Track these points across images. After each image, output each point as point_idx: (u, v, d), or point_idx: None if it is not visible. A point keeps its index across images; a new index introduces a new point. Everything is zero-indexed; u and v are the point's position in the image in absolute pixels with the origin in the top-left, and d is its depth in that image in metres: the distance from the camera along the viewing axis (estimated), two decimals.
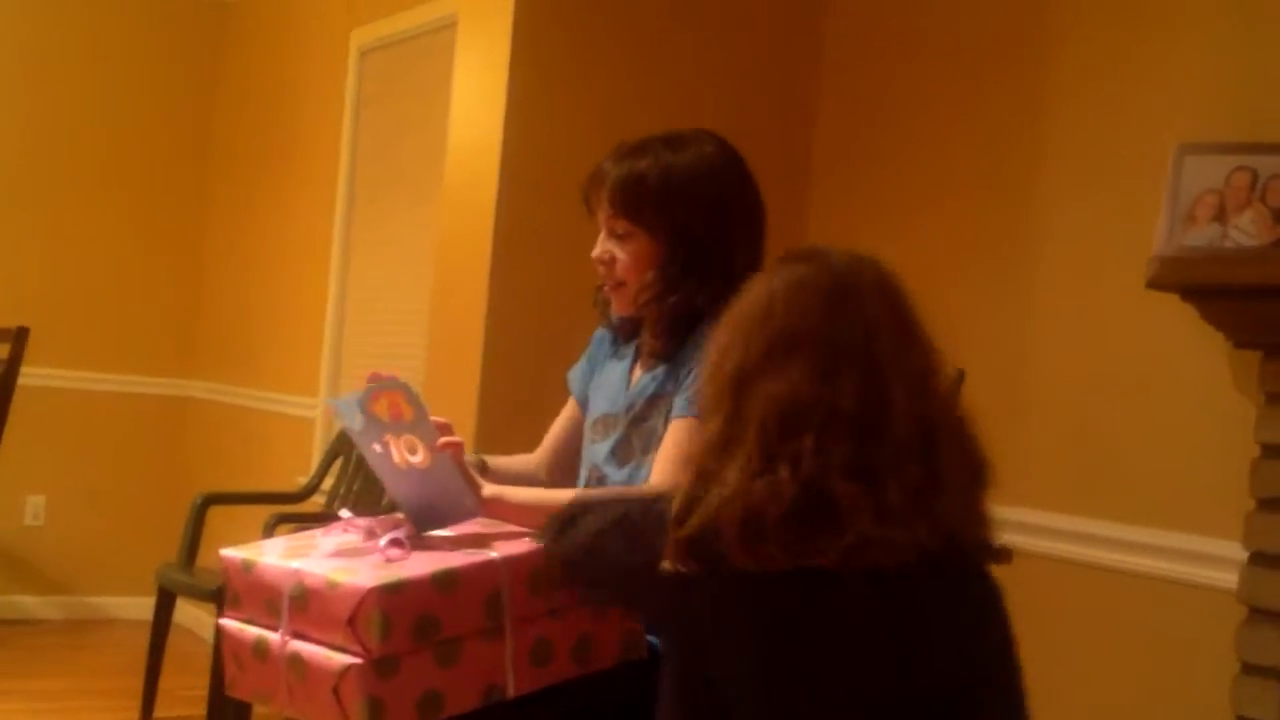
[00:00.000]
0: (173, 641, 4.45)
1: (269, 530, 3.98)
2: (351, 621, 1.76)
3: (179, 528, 4.49)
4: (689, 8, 3.75)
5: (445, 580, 1.84)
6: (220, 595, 3.87)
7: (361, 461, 4.34)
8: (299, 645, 1.84)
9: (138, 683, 4.38)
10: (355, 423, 1.98)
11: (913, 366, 1.60)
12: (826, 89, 3.87)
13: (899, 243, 3.53)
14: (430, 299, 3.92)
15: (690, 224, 2.16)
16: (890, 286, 1.70)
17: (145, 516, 5.79)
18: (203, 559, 4.46)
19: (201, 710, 3.94)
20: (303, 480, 4.68)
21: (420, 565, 1.85)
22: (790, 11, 3.89)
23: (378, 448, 1.98)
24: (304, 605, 1.84)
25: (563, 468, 2.41)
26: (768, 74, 3.86)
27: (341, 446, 4.52)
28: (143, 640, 4.45)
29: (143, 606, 5.42)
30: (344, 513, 2.07)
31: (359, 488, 4.38)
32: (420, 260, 4.40)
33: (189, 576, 4.30)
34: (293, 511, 4.27)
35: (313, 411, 5.00)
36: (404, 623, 1.79)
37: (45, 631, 5.56)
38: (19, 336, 3.43)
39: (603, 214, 2.23)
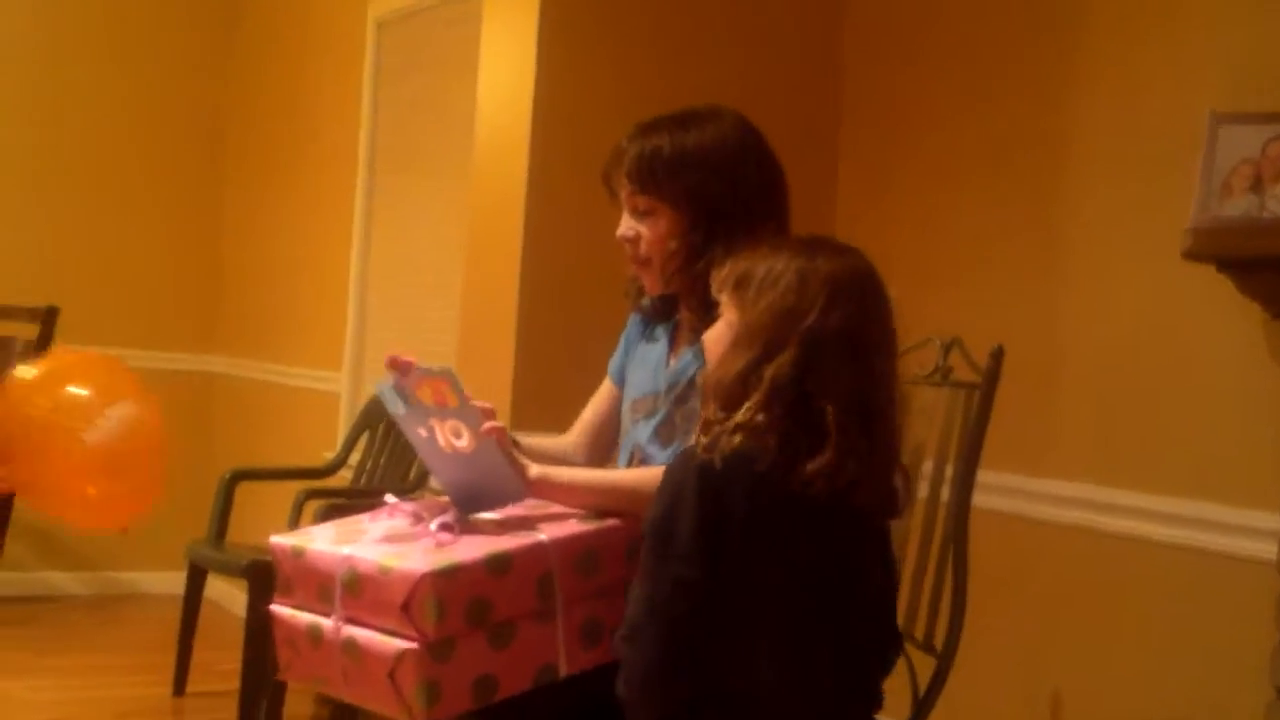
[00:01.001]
0: (203, 616, 4.48)
1: (299, 506, 4.00)
2: (406, 606, 1.78)
3: (205, 503, 4.51)
4: None
5: (497, 563, 1.86)
6: (250, 571, 3.95)
7: (388, 436, 4.36)
8: (353, 630, 1.86)
9: (168, 658, 4.41)
10: (399, 407, 1.99)
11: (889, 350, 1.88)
12: (852, 63, 3.85)
13: (930, 217, 3.53)
14: (462, 275, 3.92)
15: (709, 192, 2.17)
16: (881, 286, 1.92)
17: (171, 492, 5.76)
18: (232, 534, 4.49)
19: (233, 684, 3.96)
20: (329, 455, 4.69)
21: (471, 549, 1.87)
22: None
23: (423, 432, 1.99)
24: (357, 591, 1.85)
25: (598, 449, 2.42)
26: (795, 50, 3.84)
27: (367, 421, 4.54)
28: (172, 615, 4.48)
29: (171, 581, 5.46)
30: (389, 498, 2.08)
31: (385, 462, 4.40)
32: (443, 232, 4.40)
33: (219, 552, 4.32)
34: (321, 487, 4.28)
35: (337, 386, 5.01)
36: (457, 606, 1.81)
37: (75, 607, 5.58)
38: (48, 316, 3.44)
39: (623, 193, 2.25)
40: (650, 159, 2.19)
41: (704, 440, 1.78)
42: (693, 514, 1.75)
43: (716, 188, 2.17)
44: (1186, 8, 2.97)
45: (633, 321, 2.42)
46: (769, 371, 1.76)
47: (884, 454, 1.81)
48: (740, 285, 1.86)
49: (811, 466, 1.74)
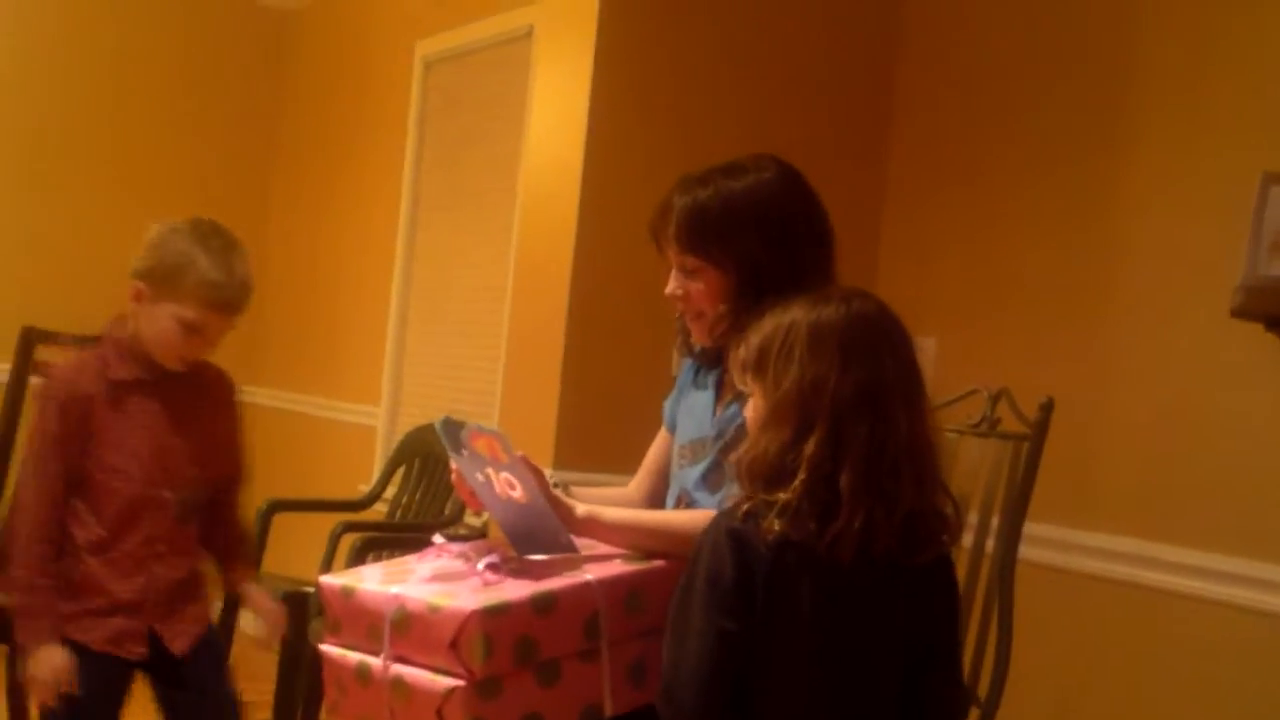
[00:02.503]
0: (235, 646, 4.47)
1: (335, 539, 4.01)
2: (454, 644, 1.79)
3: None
4: (770, 27, 3.76)
5: (544, 602, 1.86)
6: (286, 602, 3.95)
7: (424, 471, 4.37)
8: (401, 669, 1.87)
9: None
10: (456, 448, 2.02)
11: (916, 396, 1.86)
12: (900, 109, 3.87)
13: (977, 268, 3.54)
14: (508, 313, 3.95)
15: (756, 253, 2.17)
16: (894, 326, 1.90)
17: None
18: (267, 565, 4.49)
19: (266, 716, 3.96)
20: (365, 488, 4.71)
21: (519, 588, 1.87)
22: (868, 34, 3.89)
23: (480, 477, 2.01)
24: (406, 629, 1.86)
25: (659, 494, 2.42)
26: (844, 97, 3.86)
27: (403, 455, 4.55)
28: None
29: None
30: (437, 538, 2.10)
31: (421, 496, 4.40)
32: (485, 271, 4.42)
33: (255, 582, 4.32)
34: (358, 520, 4.29)
35: (375, 420, 5.03)
36: (505, 645, 1.81)
37: None
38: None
39: (670, 251, 2.25)
40: (699, 219, 2.18)
41: (741, 523, 1.78)
42: (732, 573, 1.76)
43: (764, 250, 2.16)
44: (1241, 66, 2.97)
45: (686, 367, 2.43)
46: (808, 451, 1.76)
47: (910, 496, 1.78)
48: (759, 367, 1.86)
49: (829, 534, 1.74)
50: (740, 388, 1.96)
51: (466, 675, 1.79)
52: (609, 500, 2.34)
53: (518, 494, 2.03)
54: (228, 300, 2.63)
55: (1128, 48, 3.23)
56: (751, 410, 1.89)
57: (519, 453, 2.11)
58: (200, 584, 2.79)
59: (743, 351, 1.90)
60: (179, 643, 2.68)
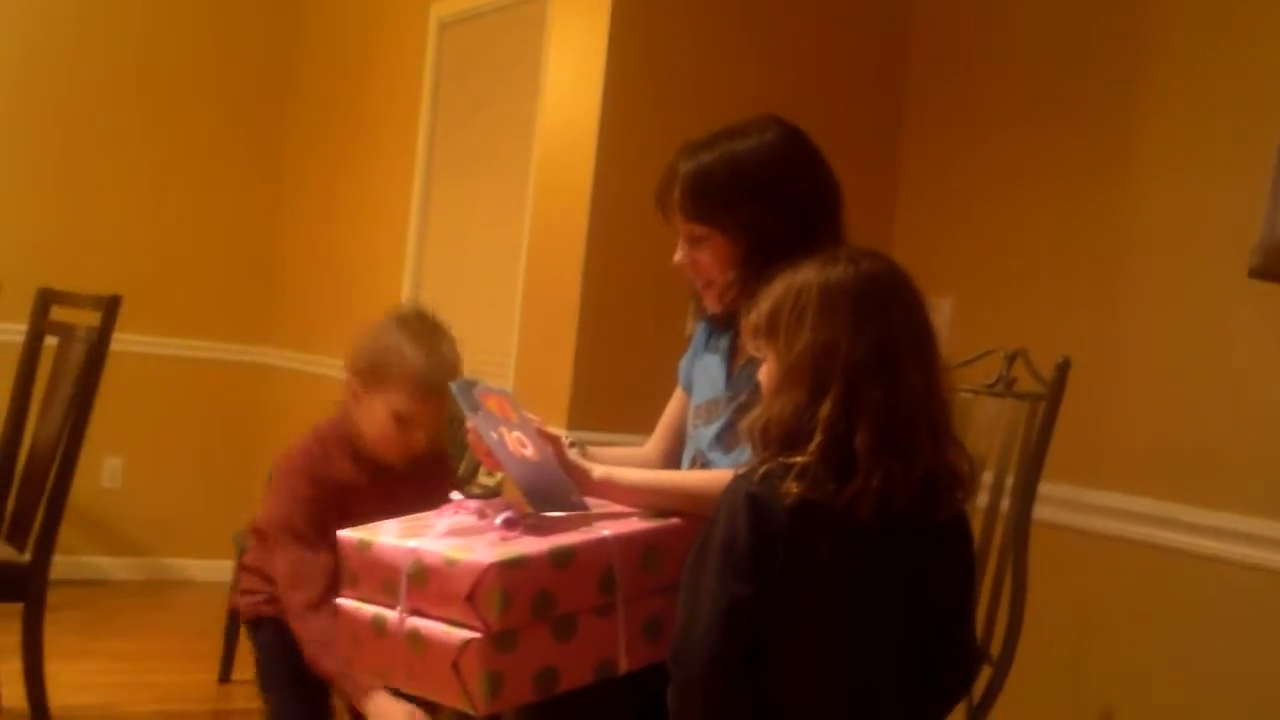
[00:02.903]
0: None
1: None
2: (471, 597, 1.80)
3: (255, 492, 4.54)
4: None
5: (562, 557, 1.87)
6: None
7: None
8: (417, 622, 1.87)
9: (214, 644, 4.45)
10: (475, 410, 2.03)
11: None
12: (915, 71, 3.85)
13: (991, 228, 3.53)
14: (523, 276, 3.95)
15: (763, 218, 2.16)
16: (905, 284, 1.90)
17: (221, 480, 5.85)
18: None
19: None
20: None
21: (536, 543, 1.88)
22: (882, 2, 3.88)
23: (495, 435, 2.02)
24: (422, 583, 1.87)
25: (675, 454, 2.43)
26: (858, 58, 3.84)
27: None
28: (218, 602, 4.51)
29: (218, 569, 5.51)
30: (454, 495, 2.10)
31: None
32: (500, 233, 4.42)
33: None
34: None
35: None
36: (523, 598, 1.82)
37: (122, 593, 5.63)
38: (111, 305, 3.46)
39: (677, 220, 2.24)
40: (704, 185, 2.18)
41: (758, 486, 1.78)
42: (747, 537, 1.76)
43: (770, 214, 2.16)
44: (1256, 28, 2.96)
45: (700, 328, 2.42)
46: (823, 413, 1.76)
47: (926, 453, 1.79)
48: (771, 331, 1.86)
49: (847, 493, 1.75)
50: (753, 353, 1.96)
51: (483, 628, 1.80)
52: (625, 460, 2.35)
53: (529, 452, 2.03)
54: (434, 385, 2.52)
55: (1146, 8, 3.21)
56: (765, 374, 1.89)
57: (531, 415, 2.12)
58: None
59: (754, 316, 1.90)
60: None
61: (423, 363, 2.54)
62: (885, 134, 3.85)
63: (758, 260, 2.15)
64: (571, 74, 3.70)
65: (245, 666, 4.40)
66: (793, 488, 1.75)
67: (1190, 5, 3.11)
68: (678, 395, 2.46)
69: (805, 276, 1.85)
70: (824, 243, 2.12)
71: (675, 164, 2.24)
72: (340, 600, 2.01)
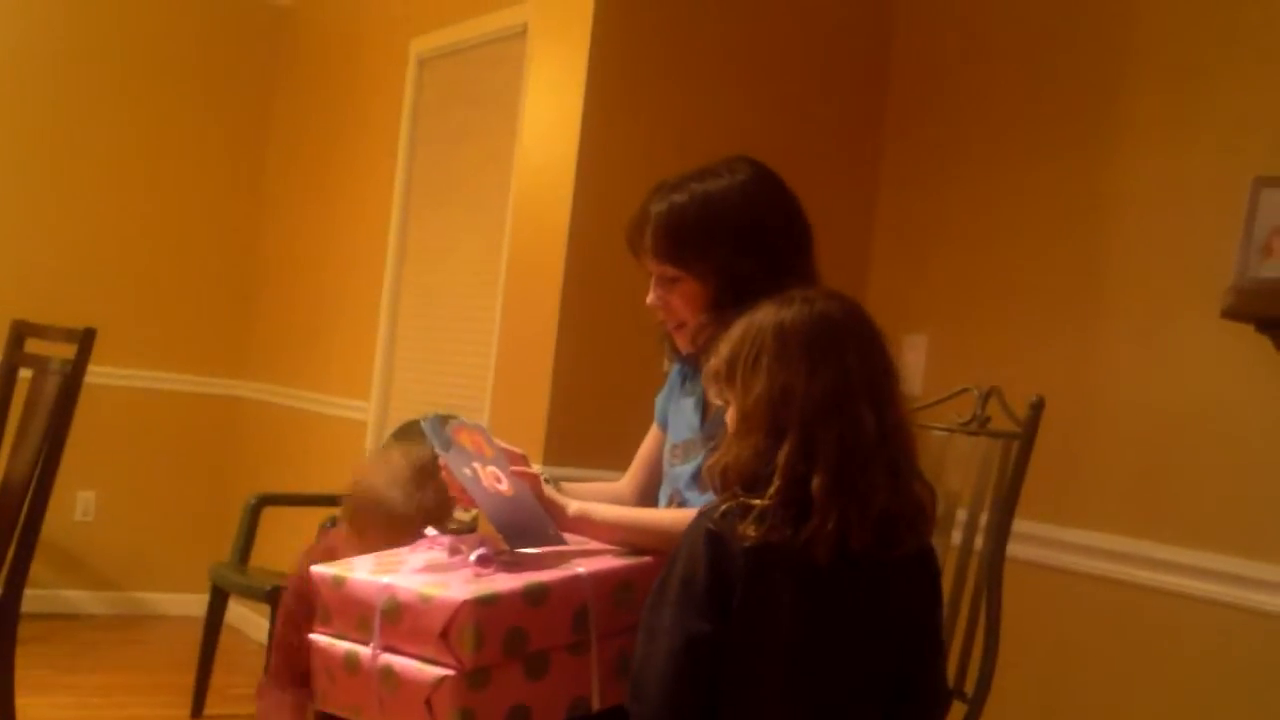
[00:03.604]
0: (223, 639, 4.49)
1: (324, 533, 4.01)
2: (445, 634, 1.79)
3: (228, 526, 4.53)
4: (764, 25, 3.76)
5: (535, 594, 1.87)
6: (274, 596, 3.95)
7: None
8: (391, 658, 1.87)
9: (187, 679, 4.42)
10: (447, 447, 2.02)
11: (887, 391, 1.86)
12: (894, 109, 3.87)
13: (968, 267, 3.54)
14: (500, 310, 3.95)
15: (733, 260, 2.16)
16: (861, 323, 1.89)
17: (194, 514, 5.83)
18: (255, 558, 4.50)
19: (251, 709, 3.95)
20: None
21: (510, 580, 1.88)
22: (861, 33, 3.90)
23: (468, 471, 2.02)
24: (396, 619, 1.86)
25: (650, 490, 2.42)
26: (836, 98, 3.86)
27: None
28: (191, 637, 4.49)
29: (190, 603, 5.48)
30: (429, 531, 2.10)
31: None
32: (477, 266, 4.42)
33: (242, 576, 4.34)
34: None
35: (365, 414, 5.02)
36: (495, 635, 1.82)
37: (95, 627, 5.59)
38: (85, 338, 3.45)
39: (648, 262, 2.24)
40: (674, 229, 2.18)
41: (718, 524, 1.78)
42: (705, 574, 1.76)
43: (741, 256, 2.15)
44: (1232, 72, 2.98)
45: (676, 368, 2.42)
46: (781, 458, 1.77)
47: (883, 493, 1.78)
48: (729, 376, 1.86)
49: (803, 536, 1.75)
50: (713, 399, 1.96)
51: (456, 665, 1.79)
52: (600, 495, 2.34)
53: (504, 487, 2.03)
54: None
55: (1121, 48, 3.24)
56: (728, 417, 1.89)
57: (508, 445, 2.11)
58: None
59: (713, 362, 1.89)
60: None
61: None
62: (862, 172, 3.87)
63: (728, 302, 2.15)
64: (550, 110, 3.71)
65: (217, 701, 4.41)
66: (750, 530, 1.75)
67: (1165, 43, 3.14)
68: (653, 431, 2.46)
69: (760, 320, 1.85)
70: (793, 284, 2.13)
71: (647, 205, 2.23)
72: (313, 636, 2.00)
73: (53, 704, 4.32)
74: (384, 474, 2.49)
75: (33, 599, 3.49)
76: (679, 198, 2.19)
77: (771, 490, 1.75)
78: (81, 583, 5.72)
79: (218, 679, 4.44)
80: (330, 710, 2.03)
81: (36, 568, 3.35)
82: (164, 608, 5.81)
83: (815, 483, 1.74)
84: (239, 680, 4.58)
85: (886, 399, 1.83)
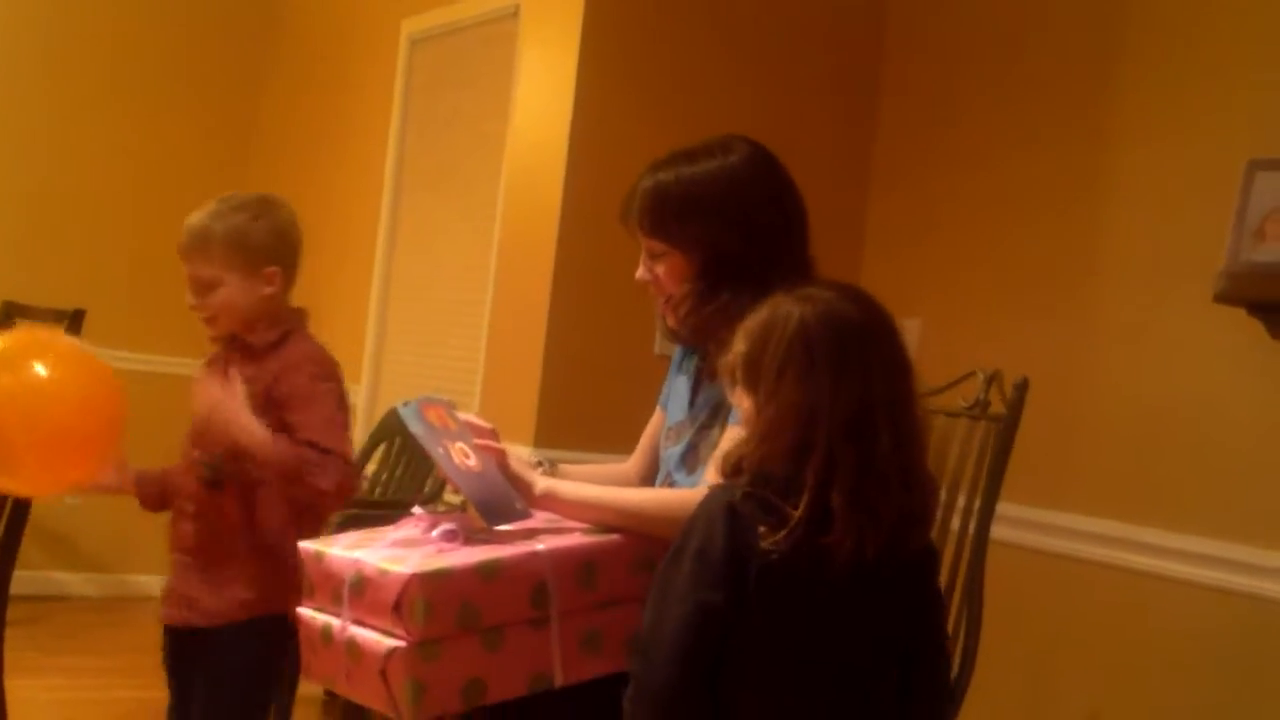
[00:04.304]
0: None
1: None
2: (397, 606, 1.82)
3: None
4: (757, 8, 3.74)
5: (489, 569, 1.89)
6: None
7: (404, 449, 4.35)
8: (355, 630, 1.90)
9: None
10: (419, 427, 2.04)
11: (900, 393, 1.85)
12: (888, 95, 3.85)
13: (960, 255, 3.52)
14: (491, 293, 3.93)
15: (717, 236, 2.17)
16: (881, 325, 1.88)
17: None
18: None
19: None
20: None
21: (467, 555, 1.90)
22: (855, 17, 3.87)
23: (441, 450, 2.03)
24: (361, 592, 1.89)
25: (653, 471, 2.43)
26: (831, 82, 3.84)
27: (384, 433, 4.52)
28: None
29: None
30: (416, 510, 2.10)
31: (401, 474, 4.38)
32: (469, 250, 4.40)
33: None
34: None
35: (356, 398, 5.00)
36: (447, 609, 1.84)
37: (84, 608, 5.59)
38: (75, 319, 3.44)
39: (638, 236, 2.26)
40: (659, 202, 2.19)
41: (740, 502, 1.78)
42: (722, 546, 1.76)
43: (725, 232, 2.16)
44: (1224, 57, 2.96)
45: (678, 350, 2.43)
46: (809, 473, 1.77)
47: (897, 501, 1.78)
48: (749, 379, 1.85)
49: (821, 546, 1.75)
50: (730, 399, 1.94)
51: (406, 636, 1.82)
52: (599, 476, 2.35)
53: (472, 462, 2.04)
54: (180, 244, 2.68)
55: (1115, 32, 3.21)
56: (744, 413, 1.88)
57: (467, 416, 2.13)
58: None
59: (730, 357, 1.88)
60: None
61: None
62: (856, 156, 3.85)
63: (712, 276, 2.17)
64: (542, 92, 3.68)
65: None
66: (777, 541, 1.75)
67: (1158, 32, 3.12)
68: (656, 413, 2.47)
69: (782, 320, 1.83)
70: (784, 267, 2.13)
71: (639, 181, 2.24)
72: (300, 609, 2.05)
73: (43, 685, 4.30)
74: None
75: (21, 580, 3.48)
76: (665, 176, 2.20)
77: (802, 505, 1.76)
78: (70, 564, 5.71)
79: None
80: (313, 681, 2.07)
81: (25, 548, 3.33)
82: (152, 589, 5.75)
83: (835, 498, 1.75)
84: None
85: (903, 406, 1.83)
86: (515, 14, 4.12)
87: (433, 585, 1.82)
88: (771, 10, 3.75)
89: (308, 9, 5.89)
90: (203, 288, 2.72)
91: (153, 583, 5.80)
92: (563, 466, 2.32)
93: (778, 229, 2.20)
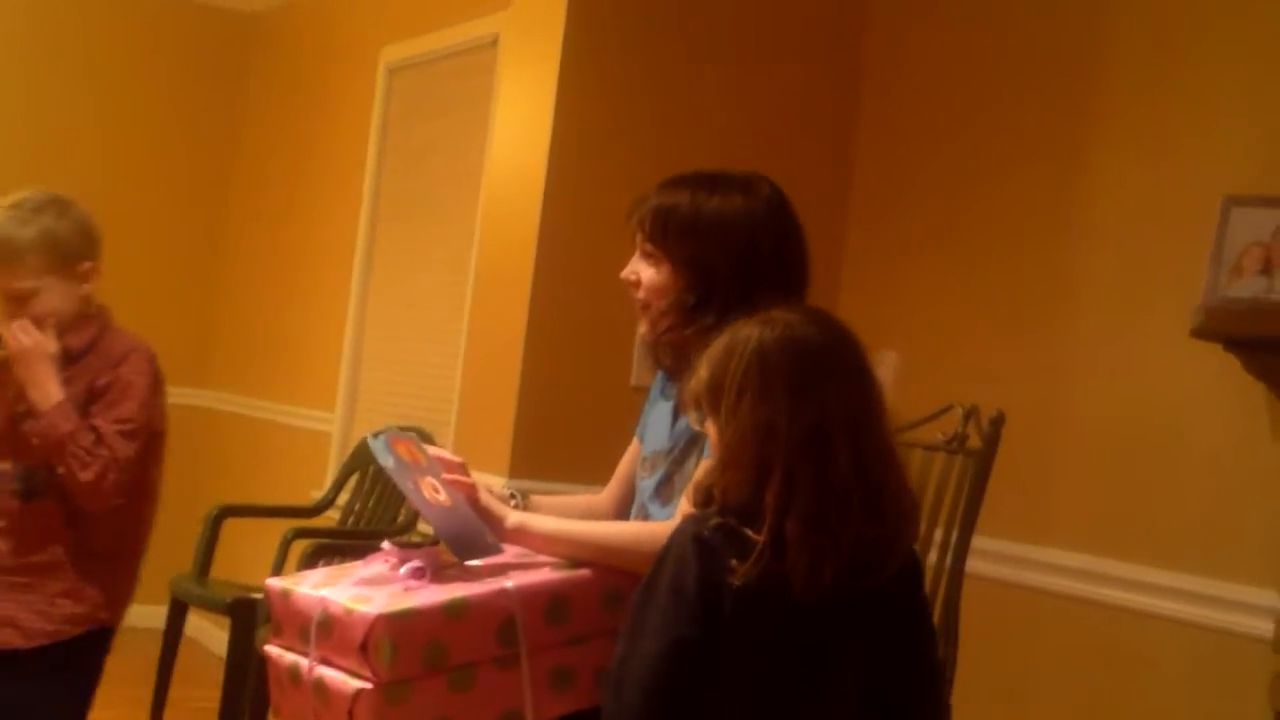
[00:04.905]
0: (182, 651, 4.42)
1: (286, 546, 3.96)
2: (363, 647, 1.80)
3: (189, 537, 4.46)
4: (736, 37, 3.73)
5: (455, 608, 1.86)
6: (234, 608, 3.91)
7: (377, 479, 4.33)
8: (323, 670, 1.87)
9: (145, 691, 4.35)
10: (389, 460, 2.01)
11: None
12: (866, 127, 3.84)
13: (937, 286, 3.51)
14: (468, 322, 3.91)
15: (714, 262, 2.15)
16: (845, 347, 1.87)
17: (156, 525, 5.73)
18: (216, 570, 4.44)
19: None
20: (318, 494, 4.65)
21: (434, 594, 1.88)
22: (833, 45, 3.87)
23: (411, 485, 2.00)
24: (328, 632, 1.87)
25: (627, 503, 2.40)
26: (807, 114, 3.83)
27: (357, 463, 4.50)
28: (150, 649, 4.41)
29: (150, 615, 5.37)
30: (385, 544, 2.07)
31: (374, 504, 4.36)
32: (444, 278, 4.39)
33: (203, 588, 4.28)
34: (309, 527, 4.25)
35: (329, 425, 4.97)
36: (413, 649, 1.81)
37: None
38: None
39: (637, 236, 2.25)
40: (666, 216, 2.18)
41: (710, 534, 1.77)
42: (694, 579, 1.75)
43: (722, 261, 2.15)
44: (1204, 90, 2.97)
45: (659, 377, 2.41)
46: (769, 496, 1.76)
47: (857, 526, 1.76)
48: (711, 402, 1.84)
49: (780, 570, 1.74)
50: (693, 425, 1.93)
51: (373, 678, 1.80)
52: (569, 508, 2.33)
53: (442, 497, 2.01)
54: None
55: (1092, 66, 3.22)
56: (711, 440, 1.87)
57: (436, 451, 2.11)
58: None
59: (693, 383, 1.88)
60: None
61: None
62: (834, 189, 3.84)
63: (695, 297, 2.16)
64: (520, 122, 3.67)
65: (176, 715, 4.34)
66: (743, 568, 1.73)
67: (1136, 59, 3.12)
68: (633, 444, 2.44)
69: (742, 344, 1.82)
70: (769, 302, 2.10)
71: (659, 187, 2.24)
72: (267, 647, 2.02)
73: None
74: None
75: None
76: (683, 196, 2.19)
77: (764, 530, 1.75)
78: None
79: (176, 692, 4.37)
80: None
81: None
82: (126, 619, 5.73)
83: (790, 521, 1.74)
84: (198, 693, 4.51)
85: (866, 431, 1.80)
86: (493, 44, 4.12)
87: (399, 625, 1.80)
88: (750, 43, 3.74)
89: (287, 37, 5.88)
90: (19, 301, 2.58)
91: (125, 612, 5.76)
92: (534, 498, 2.29)
93: (775, 268, 2.19)
